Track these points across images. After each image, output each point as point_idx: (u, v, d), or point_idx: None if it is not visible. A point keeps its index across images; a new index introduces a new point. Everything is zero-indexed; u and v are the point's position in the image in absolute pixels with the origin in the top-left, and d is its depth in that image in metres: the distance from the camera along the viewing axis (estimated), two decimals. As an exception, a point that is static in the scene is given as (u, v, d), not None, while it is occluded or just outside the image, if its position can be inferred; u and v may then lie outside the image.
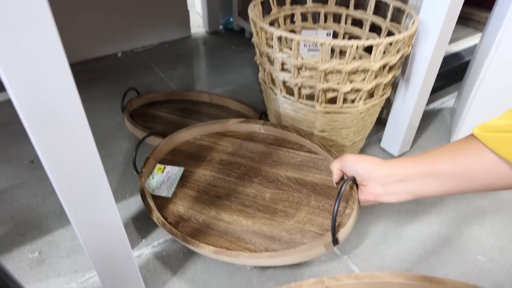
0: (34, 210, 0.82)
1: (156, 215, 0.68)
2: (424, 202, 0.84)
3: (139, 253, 0.73)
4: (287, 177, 0.76)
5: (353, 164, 0.63)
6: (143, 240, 0.75)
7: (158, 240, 0.75)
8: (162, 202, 0.74)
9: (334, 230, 0.59)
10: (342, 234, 0.61)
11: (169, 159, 0.83)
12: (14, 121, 1.07)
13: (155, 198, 0.74)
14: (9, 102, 1.16)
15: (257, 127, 0.86)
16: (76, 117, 0.41)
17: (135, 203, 0.83)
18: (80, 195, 0.46)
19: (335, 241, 0.60)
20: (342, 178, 0.70)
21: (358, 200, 0.64)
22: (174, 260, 0.72)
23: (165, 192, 0.75)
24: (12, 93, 0.36)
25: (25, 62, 0.35)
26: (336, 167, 0.68)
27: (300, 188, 0.73)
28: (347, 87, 0.73)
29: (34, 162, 0.94)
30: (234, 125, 0.88)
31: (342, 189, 0.59)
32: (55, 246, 0.74)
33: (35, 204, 0.83)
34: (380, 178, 0.59)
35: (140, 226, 0.78)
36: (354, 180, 0.64)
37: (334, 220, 0.58)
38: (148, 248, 0.74)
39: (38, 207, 0.82)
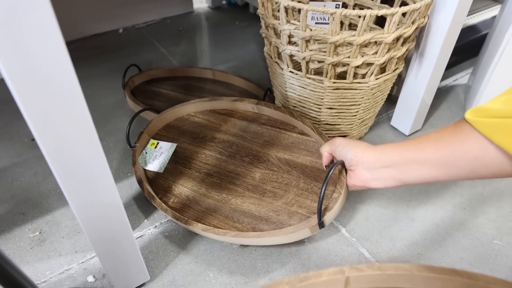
0: (34, 189, 0.80)
1: (147, 190, 0.69)
2: (437, 183, 0.81)
3: (141, 233, 0.71)
4: (278, 158, 0.76)
5: (342, 148, 0.63)
6: (146, 220, 0.73)
7: (161, 220, 0.73)
8: (154, 178, 0.75)
9: (320, 213, 0.59)
10: (328, 218, 0.61)
11: (163, 134, 0.83)
12: (13, 99, 1.05)
13: (148, 173, 0.75)
14: (8, 79, 1.13)
15: (251, 107, 0.85)
16: (70, 87, 0.38)
17: (136, 183, 0.80)
18: (77, 172, 0.44)
19: (321, 224, 0.60)
20: (332, 162, 0.69)
21: (346, 185, 0.64)
22: (177, 241, 0.70)
23: (157, 168, 0.76)
24: (2, 66, 0.33)
25: (15, 31, 0.32)
26: (326, 150, 0.67)
27: (290, 170, 0.73)
28: (358, 60, 0.69)
29: (35, 140, 0.92)
30: (227, 103, 0.87)
31: (330, 173, 0.59)
32: (56, 225, 0.72)
33: (35, 182, 0.81)
34: (367, 163, 0.59)
35: (143, 205, 0.76)
36: (343, 165, 0.64)
37: (320, 203, 0.58)
38: (150, 228, 0.72)
39: (39, 185, 0.81)
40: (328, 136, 0.85)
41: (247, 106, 0.85)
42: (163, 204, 0.67)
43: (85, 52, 1.29)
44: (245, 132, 0.81)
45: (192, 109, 0.87)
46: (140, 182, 0.71)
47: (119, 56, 1.26)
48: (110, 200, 0.48)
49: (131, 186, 0.80)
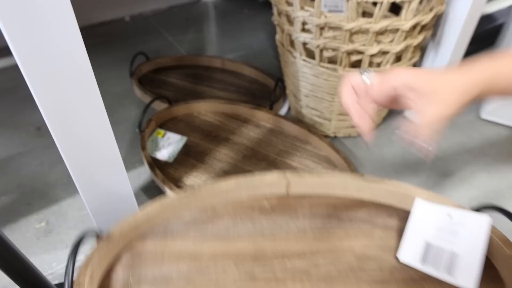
0: (41, 179, 0.79)
1: (160, 175, 0.68)
2: (453, 176, 0.79)
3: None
4: (294, 167, 0.75)
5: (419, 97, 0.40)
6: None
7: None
8: (162, 166, 0.75)
9: None
10: None
11: (170, 126, 0.83)
12: (20, 87, 1.03)
13: (156, 162, 0.75)
14: (15, 67, 1.11)
15: (267, 117, 0.84)
16: (85, 78, 0.36)
17: (144, 173, 0.79)
18: (89, 162, 0.43)
19: None
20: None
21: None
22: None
23: (166, 157, 0.76)
24: (16, 53, 0.31)
25: (33, 19, 0.30)
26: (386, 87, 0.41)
27: None
28: (374, 48, 0.67)
29: (41, 129, 0.90)
30: (245, 109, 0.86)
31: None
32: (62, 216, 0.71)
33: (42, 172, 0.80)
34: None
35: (151, 196, 0.75)
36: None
37: None
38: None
39: (45, 175, 0.79)
40: (340, 125, 0.83)
41: (264, 115, 0.84)
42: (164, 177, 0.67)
43: (92, 40, 1.27)
44: (261, 139, 0.81)
45: (205, 107, 0.87)
46: (151, 166, 0.70)
47: (126, 45, 1.24)
48: (122, 190, 0.47)
49: (139, 176, 0.79)
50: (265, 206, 0.45)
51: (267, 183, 0.45)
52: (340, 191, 0.46)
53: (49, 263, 0.64)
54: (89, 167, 0.43)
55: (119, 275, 0.38)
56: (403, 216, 0.44)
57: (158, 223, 0.42)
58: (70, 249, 0.35)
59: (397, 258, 0.40)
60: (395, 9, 0.64)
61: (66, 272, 0.33)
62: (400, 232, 0.42)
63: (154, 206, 0.42)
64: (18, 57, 0.32)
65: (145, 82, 1.00)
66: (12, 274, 0.43)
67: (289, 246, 0.41)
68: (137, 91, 0.96)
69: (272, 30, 1.32)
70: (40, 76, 0.34)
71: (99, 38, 1.29)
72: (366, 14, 0.92)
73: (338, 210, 0.45)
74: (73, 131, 0.39)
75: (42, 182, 0.78)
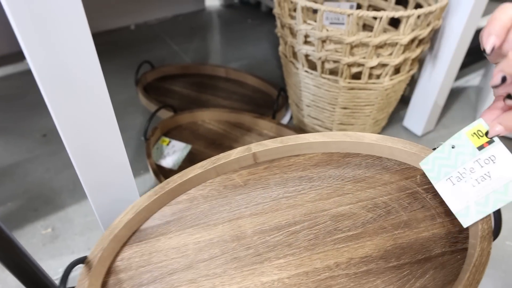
0: (47, 185, 0.80)
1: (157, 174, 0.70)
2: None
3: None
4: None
5: None
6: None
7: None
8: (168, 174, 0.76)
9: None
10: None
11: (175, 134, 0.86)
12: (26, 93, 1.05)
13: (161, 169, 0.78)
14: (21, 74, 1.14)
15: (270, 126, 0.86)
16: (97, 86, 0.38)
17: (149, 180, 0.81)
18: (99, 169, 0.44)
19: None
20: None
21: None
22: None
23: (170, 164, 0.78)
24: (31, 59, 0.33)
25: (46, 27, 0.32)
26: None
27: None
28: (374, 61, 0.69)
29: (47, 136, 0.92)
30: (248, 118, 0.88)
31: None
32: (68, 222, 0.73)
33: (48, 178, 0.82)
34: None
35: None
36: None
37: None
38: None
39: (51, 182, 0.81)
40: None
41: (267, 124, 0.86)
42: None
43: (97, 48, 1.28)
44: None
45: (209, 116, 0.89)
46: (156, 174, 0.72)
47: (131, 53, 1.27)
48: (130, 196, 0.49)
49: (145, 184, 0.80)
50: (238, 183, 0.46)
51: (234, 158, 0.46)
52: (307, 150, 0.47)
53: (55, 268, 0.65)
54: (98, 173, 0.45)
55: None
56: (371, 163, 0.46)
57: (137, 228, 0.43)
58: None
59: (367, 211, 0.42)
60: (395, 23, 0.66)
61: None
62: (369, 181, 0.44)
63: (129, 213, 0.42)
64: (33, 64, 0.34)
65: (150, 90, 1.02)
66: (22, 277, 0.45)
67: (267, 221, 0.42)
68: (142, 99, 0.98)
69: (275, 39, 1.35)
70: (54, 84, 0.36)
71: (104, 45, 1.31)
72: (366, 26, 0.94)
73: (308, 169, 0.46)
74: (84, 138, 0.41)
75: (48, 188, 0.80)
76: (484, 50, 0.33)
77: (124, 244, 0.42)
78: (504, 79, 0.32)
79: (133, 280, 0.39)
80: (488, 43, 0.32)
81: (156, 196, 0.44)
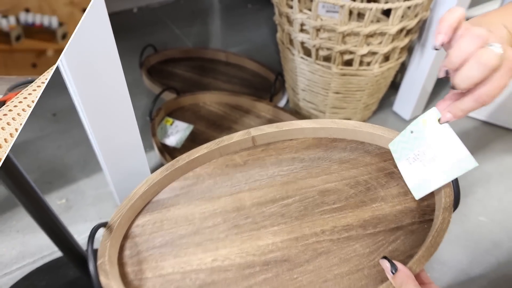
0: (59, 161, 0.86)
1: (169, 159, 0.75)
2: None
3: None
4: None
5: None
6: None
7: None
8: (172, 152, 0.82)
9: None
10: None
11: (178, 114, 0.91)
12: (35, 75, 1.10)
13: (165, 147, 0.83)
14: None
15: (267, 108, 0.91)
16: (114, 68, 0.44)
17: (154, 157, 0.87)
18: (115, 145, 0.50)
19: None
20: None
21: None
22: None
23: (174, 143, 0.84)
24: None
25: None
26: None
27: None
28: (364, 49, 0.74)
29: (57, 115, 0.97)
30: (246, 101, 0.93)
31: None
32: (80, 194, 0.79)
33: (59, 155, 0.88)
34: None
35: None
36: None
37: None
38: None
39: (63, 158, 0.87)
40: (333, 117, 0.91)
41: (264, 107, 0.92)
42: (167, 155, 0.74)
43: (101, 30, 1.32)
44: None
45: (210, 98, 0.94)
46: (161, 151, 0.77)
47: (133, 36, 1.30)
48: (141, 170, 0.55)
49: (150, 160, 0.86)
50: (238, 162, 0.52)
51: (235, 141, 0.52)
52: (299, 135, 0.54)
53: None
54: (115, 147, 0.51)
55: (127, 249, 0.45)
56: (354, 147, 0.52)
57: (150, 199, 0.50)
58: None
59: (350, 187, 0.48)
60: (389, 12, 0.71)
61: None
62: (352, 163, 0.50)
63: (144, 186, 0.48)
64: (65, 57, 0.39)
65: (153, 72, 1.07)
66: (53, 236, 0.51)
67: (263, 195, 0.49)
68: (146, 82, 1.03)
69: (273, 25, 1.38)
70: (80, 69, 0.41)
71: (108, 28, 1.34)
72: (361, 15, 0.99)
73: (300, 152, 0.52)
74: (103, 116, 0.47)
75: (60, 164, 0.86)
76: (434, 47, 0.39)
77: (139, 213, 0.49)
78: (447, 73, 0.38)
79: (147, 243, 0.46)
80: (437, 40, 0.38)
81: (167, 172, 0.50)
